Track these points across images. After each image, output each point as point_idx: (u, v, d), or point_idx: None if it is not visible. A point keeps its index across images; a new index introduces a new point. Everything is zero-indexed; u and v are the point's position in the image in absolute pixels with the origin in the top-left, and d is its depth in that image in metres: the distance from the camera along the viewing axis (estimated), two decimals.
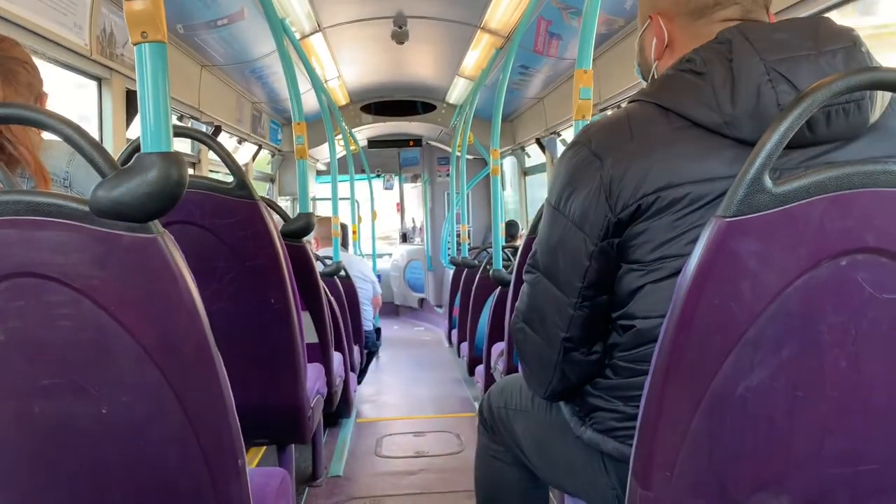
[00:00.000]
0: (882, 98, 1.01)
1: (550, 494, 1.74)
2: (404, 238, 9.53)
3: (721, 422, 0.91)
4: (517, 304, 1.27)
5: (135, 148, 1.60)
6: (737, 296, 0.87)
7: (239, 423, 1.01)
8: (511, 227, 6.33)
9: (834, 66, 0.98)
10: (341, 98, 6.70)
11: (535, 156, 6.54)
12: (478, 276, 4.14)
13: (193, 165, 4.20)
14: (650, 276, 1.07)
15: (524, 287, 1.24)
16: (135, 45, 0.87)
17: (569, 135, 5.22)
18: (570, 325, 1.16)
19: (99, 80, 2.86)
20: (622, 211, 1.06)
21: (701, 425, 0.91)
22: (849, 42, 1.01)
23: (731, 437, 0.92)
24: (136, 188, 0.85)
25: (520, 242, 3.76)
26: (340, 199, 4.61)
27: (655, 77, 1.20)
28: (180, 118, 3.88)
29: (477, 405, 4.44)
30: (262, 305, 1.82)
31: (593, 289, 1.13)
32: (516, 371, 2.63)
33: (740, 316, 0.88)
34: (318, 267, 3.39)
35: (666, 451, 0.93)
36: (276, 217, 2.92)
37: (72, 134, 0.87)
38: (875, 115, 1.00)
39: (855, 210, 0.86)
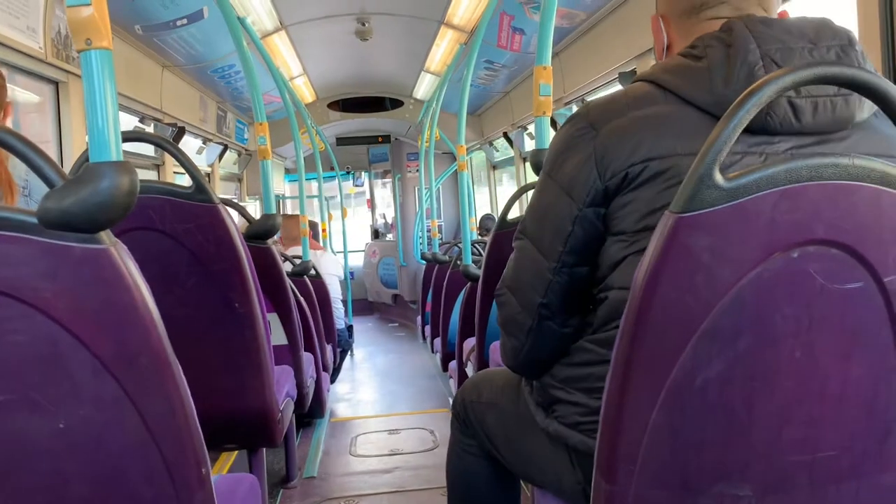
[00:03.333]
0: None
1: (523, 487, 1.75)
2: (376, 234, 9.50)
3: (681, 414, 0.92)
4: (504, 272, 1.30)
5: (86, 157, 1.58)
6: (692, 289, 0.88)
7: (202, 431, 1.00)
8: (487, 221, 6.31)
9: (825, 60, 1.02)
10: (307, 95, 6.65)
11: (503, 150, 6.55)
12: (449, 271, 4.14)
13: (158, 167, 4.15)
14: (633, 246, 1.09)
15: (512, 254, 1.27)
16: (79, 52, 0.85)
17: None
18: (547, 290, 1.19)
19: (56, 83, 2.81)
20: (610, 178, 1.09)
21: (662, 418, 0.92)
22: (844, 41, 1.05)
23: (692, 428, 0.93)
24: (86, 199, 0.83)
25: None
26: (310, 196, 4.58)
27: None
28: (141, 120, 3.83)
29: (451, 400, 4.45)
30: (226, 310, 1.80)
31: (574, 256, 1.15)
32: (487, 366, 2.64)
33: (696, 309, 0.89)
34: (287, 267, 3.37)
35: (628, 444, 0.94)
36: (242, 219, 2.89)
37: (14, 143, 0.85)
38: (864, 114, 1.03)
39: (805, 203, 0.87)
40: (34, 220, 0.85)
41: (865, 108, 1.03)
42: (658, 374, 0.91)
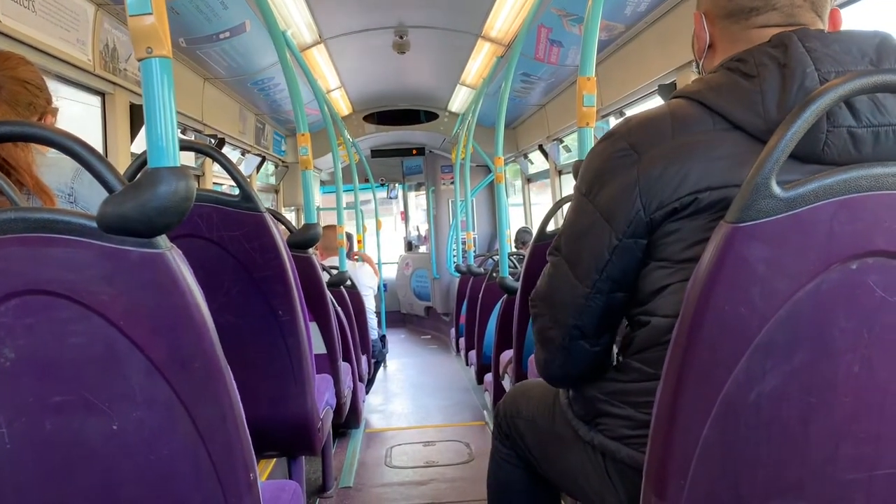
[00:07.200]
0: None
1: (562, 500, 1.73)
2: (409, 247, 9.53)
3: (734, 429, 0.91)
4: (538, 282, 1.26)
5: (141, 163, 1.61)
6: (747, 301, 0.87)
7: (249, 436, 1.01)
8: (524, 235, 6.28)
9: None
10: (344, 108, 6.71)
11: (538, 162, 6.53)
12: (484, 283, 4.14)
13: (198, 178, 4.21)
14: (678, 275, 1.06)
15: (546, 267, 1.24)
16: (139, 60, 0.87)
17: (571, 141, 5.21)
18: (581, 314, 1.16)
19: (102, 95, 2.87)
20: (657, 210, 1.04)
21: (714, 432, 0.91)
22: None
23: (745, 443, 0.91)
24: (145, 203, 0.85)
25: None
26: (344, 208, 4.62)
27: (701, 75, 1.18)
28: (183, 131, 3.89)
29: (486, 413, 4.43)
30: (270, 317, 1.81)
31: (610, 283, 1.12)
32: (526, 378, 2.63)
33: (751, 321, 0.87)
34: (324, 277, 3.39)
35: (679, 458, 0.93)
36: (282, 228, 2.92)
37: (78, 149, 0.87)
38: None
39: (864, 213, 0.85)
40: (93, 224, 0.87)
41: None
42: (711, 388, 0.90)
